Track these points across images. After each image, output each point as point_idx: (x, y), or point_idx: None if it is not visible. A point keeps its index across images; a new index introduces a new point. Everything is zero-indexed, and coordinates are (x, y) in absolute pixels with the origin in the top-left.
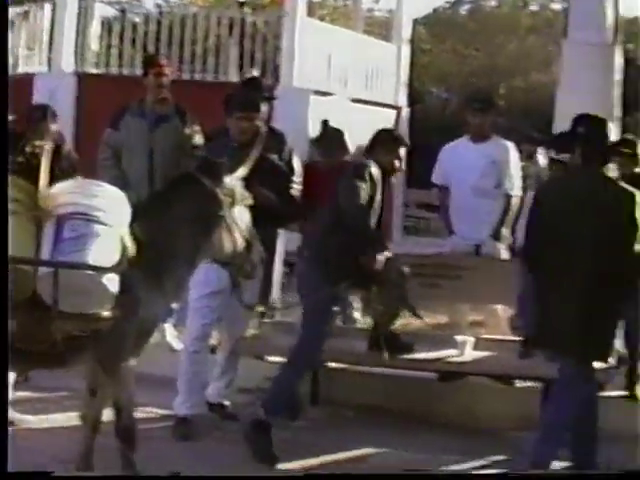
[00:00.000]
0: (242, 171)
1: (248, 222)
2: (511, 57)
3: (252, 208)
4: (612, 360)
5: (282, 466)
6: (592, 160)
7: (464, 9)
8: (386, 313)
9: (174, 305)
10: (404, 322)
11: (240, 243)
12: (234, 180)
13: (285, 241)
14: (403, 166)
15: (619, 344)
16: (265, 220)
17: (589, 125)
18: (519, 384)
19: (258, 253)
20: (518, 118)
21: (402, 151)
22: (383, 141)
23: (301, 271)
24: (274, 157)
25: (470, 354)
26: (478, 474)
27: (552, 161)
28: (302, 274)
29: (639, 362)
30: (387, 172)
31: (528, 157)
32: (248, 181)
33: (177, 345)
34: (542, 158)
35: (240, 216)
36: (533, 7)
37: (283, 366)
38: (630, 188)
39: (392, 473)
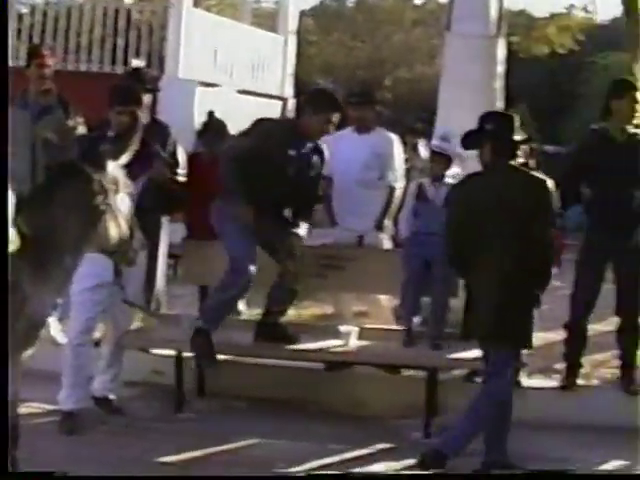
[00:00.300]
0: (124, 158)
1: (129, 209)
2: (396, 49)
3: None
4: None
5: (163, 459)
6: (502, 155)
7: (351, 1)
8: (280, 299)
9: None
10: (293, 313)
11: (125, 230)
12: (116, 168)
13: (169, 232)
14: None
15: None
16: (148, 209)
17: (498, 121)
18: (405, 373)
19: (139, 240)
20: (403, 110)
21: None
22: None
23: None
24: (158, 147)
25: (355, 344)
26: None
27: (434, 154)
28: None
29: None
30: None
31: (412, 149)
32: (129, 169)
33: (61, 339)
34: (424, 150)
35: (122, 203)
36: (418, 0)
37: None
38: (542, 176)
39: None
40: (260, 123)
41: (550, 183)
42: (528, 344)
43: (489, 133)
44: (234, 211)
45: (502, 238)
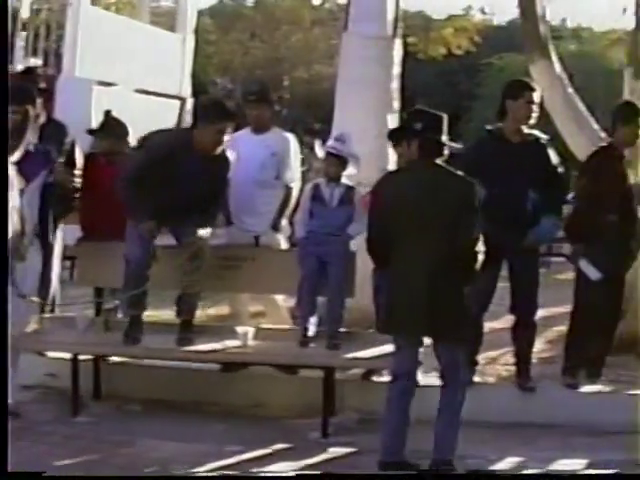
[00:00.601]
0: (15, 156)
1: (19, 206)
2: (295, 49)
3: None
4: None
5: (60, 463)
6: (429, 153)
7: (249, 1)
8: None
9: None
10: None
11: (16, 226)
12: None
13: (64, 234)
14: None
15: None
16: (43, 209)
17: (426, 120)
18: (302, 373)
19: (29, 236)
20: (302, 110)
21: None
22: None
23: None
24: (51, 148)
25: (251, 344)
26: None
27: (328, 155)
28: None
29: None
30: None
31: (310, 149)
32: (21, 167)
33: None
34: (320, 150)
35: (13, 200)
36: (316, 0)
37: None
38: (468, 177)
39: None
40: (152, 136)
41: (476, 183)
42: (464, 335)
43: (417, 131)
44: (138, 226)
45: (427, 234)
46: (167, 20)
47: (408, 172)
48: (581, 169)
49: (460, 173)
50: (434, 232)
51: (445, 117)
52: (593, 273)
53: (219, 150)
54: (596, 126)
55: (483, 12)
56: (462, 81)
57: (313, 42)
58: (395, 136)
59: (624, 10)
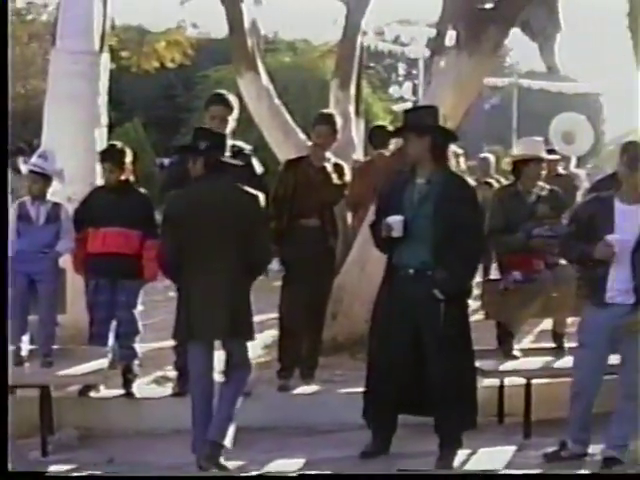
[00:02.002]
0: None
1: None
2: (12, 64)
3: None
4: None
5: None
6: (215, 170)
7: None
8: None
9: None
10: None
11: None
12: None
13: None
14: None
15: None
16: None
17: (210, 138)
18: (19, 392)
19: None
20: (19, 125)
21: None
22: None
23: None
24: None
25: None
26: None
27: (31, 173)
28: None
29: None
30: None
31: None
32: None
33: None
34: (24, 167)
35: None
36: (31, 15)
37: None
38: (254, 191)
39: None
40: None
41: (261, 197)
42: (251, 336)
43: (201, 150)
44: None
45: (215, 246)
46: None
47: (195, 188)
48: (279, 178)
49: (245, 188)
50: (222, 243)
51: (227, 135)
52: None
53: None
54: (302, 135)
55: (195, 26)
56: (180, 94)
57: (30, 57)
58: (182, 153)
59: (335, 21)
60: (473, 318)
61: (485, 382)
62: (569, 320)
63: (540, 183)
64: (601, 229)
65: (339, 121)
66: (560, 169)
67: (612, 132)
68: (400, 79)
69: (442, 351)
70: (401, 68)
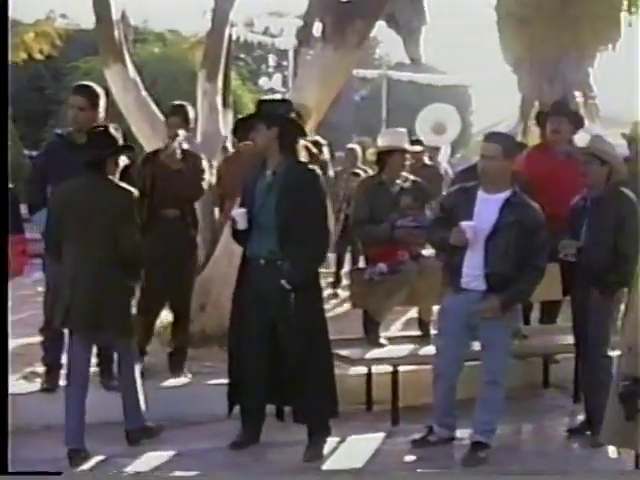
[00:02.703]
0: None
1: None
2: None
3: None
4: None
5: None
6: (94, 167)
7: None
8: None
9: None
10: None
11: None
12: None
13: None
14: None
15: None
16: None
17: (94, 136)
18: None
19: None
20: None
21: None
22: None
23: None
24: None
25: None
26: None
27: None
28: None
29: None
30: None
31: None
32: None
33: None
34: None
35: None
36: None
37: None
38: (128, 187)
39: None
40: None
41: (135, 193)
42: (129, 331)
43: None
44: None
45: (90, 238)
46: None
47: (78, 183)
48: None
49: (122, 185)
50: (96, 236)
51: (117, 133)
52: None
53: None
54: None
55: (64, 17)
56: (49, 85)
57: None
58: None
59: (204, 13)
60: (342, 307)
61: (352, 370)
62: (435, 308)
63: (404, 174)
64: (461, 217)
65: (191, 112)
66: (426, 159)
67: (480, 124)
68: (270, 70)
69: (295, 340)
70: (271, 59)
